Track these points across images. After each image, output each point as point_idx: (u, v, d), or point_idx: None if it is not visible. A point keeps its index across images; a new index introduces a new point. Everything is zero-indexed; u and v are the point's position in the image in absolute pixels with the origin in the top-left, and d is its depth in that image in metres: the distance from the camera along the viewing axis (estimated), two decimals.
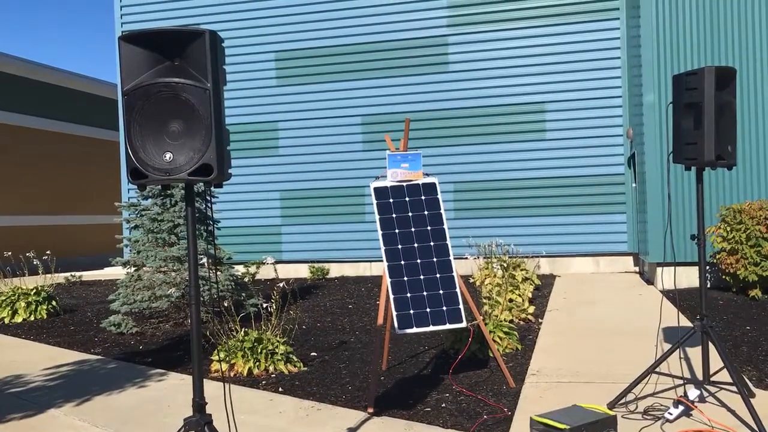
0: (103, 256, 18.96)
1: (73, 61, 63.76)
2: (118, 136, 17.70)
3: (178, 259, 7.83)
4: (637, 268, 11.53)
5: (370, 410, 4.40)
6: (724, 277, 8.32)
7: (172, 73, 2.56)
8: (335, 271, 12.60)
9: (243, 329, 5.83)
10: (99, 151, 20.22)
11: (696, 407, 3.97)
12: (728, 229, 8.19)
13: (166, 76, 2.56)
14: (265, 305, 6.25)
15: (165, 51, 2.57)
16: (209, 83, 2.55)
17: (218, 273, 7.99)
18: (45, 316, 8.99)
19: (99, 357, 6.53)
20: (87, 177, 19.76)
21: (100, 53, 65.12)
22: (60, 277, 13.39)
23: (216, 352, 5.78)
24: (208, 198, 8.25)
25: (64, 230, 18.70)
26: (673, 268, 8.74)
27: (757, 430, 3.59)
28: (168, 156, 2.58)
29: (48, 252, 11.82)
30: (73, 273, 14.00)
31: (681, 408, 3.91)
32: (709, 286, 8.76)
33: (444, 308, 4.64)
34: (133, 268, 8.04)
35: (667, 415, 3.90)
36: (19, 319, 8.82)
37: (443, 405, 4.50)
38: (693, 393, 4.07)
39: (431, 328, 4.55)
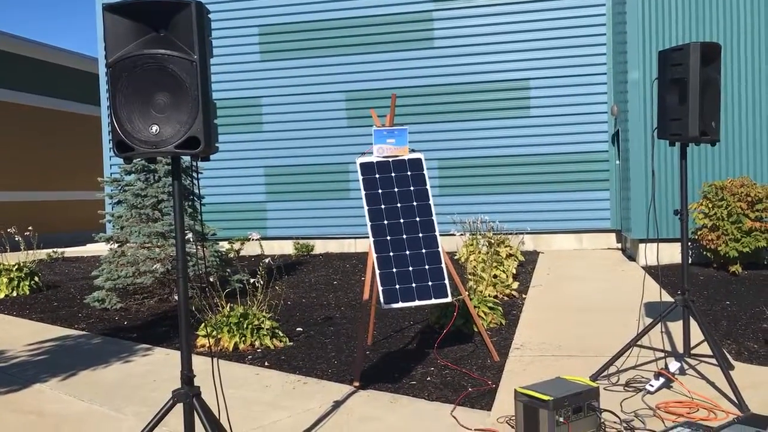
0: (86, 233, 18.82)
1: (49, 34, 62.69)
2: (99, 111, 17.48)
3: (162, 235, 7.79)
4: (619, 245, 11.64)
5: (356, 384, 4.44)
6: (705, 253, 8.43)
7: (158, 44, 2.52)
8: (320, 247, 12.60)
9: (229, 305, 5.83)
10: (80, 126, 19.96)
11: (676, 379, 4.04)
12: (710, 205, 8.28)
13: (151, 48, 2.52)
14: (251, 281, 6.25)
15: (150, 22, 2.53)
16: (196, 55, 2.52)
17: (206, 249, 7.96)
18: (27, 292, 8.94)
19: (83, 332, 6.52)
20: (68, 152, 19.52)
21: (78, 26, 64.05)
22: (42, 254, 13.28)
23: (202, 326, 5.78)
24: (194, 174, 8.19)
25: (45, 206, 18.51)
26: (655, 244, 8.84)
27: (735, 401, 3.66)
28: (154, 128, 2.55)
29: (30, 228, 11.70)
30: (55, 249, 13.90)
31: (662, 380, 3.98)
32: (690, 262, 8.85)
33: (429, 283, 4.67)
34: (116, 244, 7.99)
35: (648, 386, 3.97)
36: (0, 295, 8.76)
37: (428, 378, 4.55)
38: (674, 365, 4.15)
39: (417, 302, 4.58)
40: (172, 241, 7.86)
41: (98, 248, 14.60)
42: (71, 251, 14.65)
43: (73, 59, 19.86)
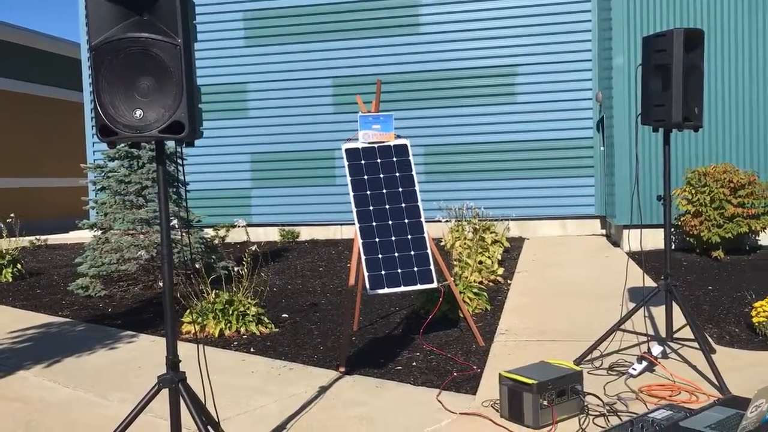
0: (68, 220, 18.67)
1: (30, 19, 61.79)
2: (81, 97, 17.31)
3: (147, 222, 7.75)
4: (604, 231, 11.72)
5: (342, 369, 4.45)
6: (688, 239, 8.51)
7: (141, 28, 2.50)
8: (306, 234, 12.59)
9: (214, 291, 5.82)
10: (63, 111, 19.75)
11: (659, 363, 4.09)
12: (693, 191, 8.35)
13: (134, 31, 2.49)
14: (236, 268, 6.24)
15: (133, 5, 2.50)
16: (180, 39, 2.50)
17: (190, 235, 7.93)
18: (10, 279, 8.87)
19: (67, 319, 6.48)
20: (50, 139, 19.33)
21: (59, 10, 63.19)
22: (24, 241, 13.16)
23: (187, 313, 5.77)
24: (178, 160, 8.13)
25: (27, 193, 18.34)
26: (639, 230, 8.91)
27: (717, 383, 3.72)
28: (138, 113, 2.53)
29: (12, 215, 11.58)
30: (37, 236, 13.78)
31: (644, 364, 4.03)
32: (673, 247, 8.96)
33: (415, 269, 4.68)
34: (100, 231, 7.94)
35: (631, 370, 4.02)
36: None
37: (414, 363, 4.57)
38: (656, 349, 4.20)
39: (402, 288, 4.60)
40: (156, 228, 7.82)
41: (81, 235, 14.49)
42: (54, 238, 14.53)
43: (54, 44, 19.61)
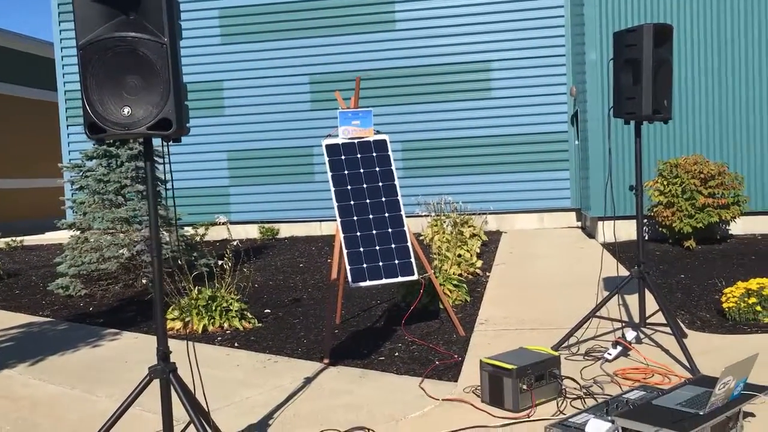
0: (43, 220, 18.49)
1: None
2: (55, 97, 17.14)
3: (126, 221, 7.75)
4: (579, 223, 11.92)
5: (326, 361, 4.54)
6: (660, 229, 8.70)
7: (128, 27, 2.56)
8: (285, 231, 12.63)
9: (197, 288, 5.86)
10: (37, 112, 19.53)
11: (633, 347, 4.23)
12: (665, 183, 8.55)
13: (122, 31, 2.55)
14: (219, 263, 6.28)
15: (120, 5, 2.56)
16: (166, 38, 2.57)
17: (170, 233, 7.95)
18: None
19: (48, 319, 6.48)
20: (25, 139, 19.10)
21: (29, 9, 62.24)
22: (0, 242, 13.05)
23: (171, 309, 5.81)
24: (160, 159, 8.13)
25: (1, 194, 18.12)
26: (612, 221, 9.09)
27: (688, 366, 3.86)
28: (126, 110, 2.59)
29: None
30: (13, 238, 13.65)
31: (619, 348, 4.16)
32: (647, 238, 9.16)
33: (396, 262, 4.77)
34: (78, 231, 7.93)
35: (606, 355, 4.15)
36: None
37: (396, 354, 4.67)
38: (630, 335, 4.34)
39: (384, 281, 4.69)
40: (136, 227, 7.83)
41: (58, 236, 14.39)
42: (30, 239, 14.41)
43: (30, 45, 19.37)
